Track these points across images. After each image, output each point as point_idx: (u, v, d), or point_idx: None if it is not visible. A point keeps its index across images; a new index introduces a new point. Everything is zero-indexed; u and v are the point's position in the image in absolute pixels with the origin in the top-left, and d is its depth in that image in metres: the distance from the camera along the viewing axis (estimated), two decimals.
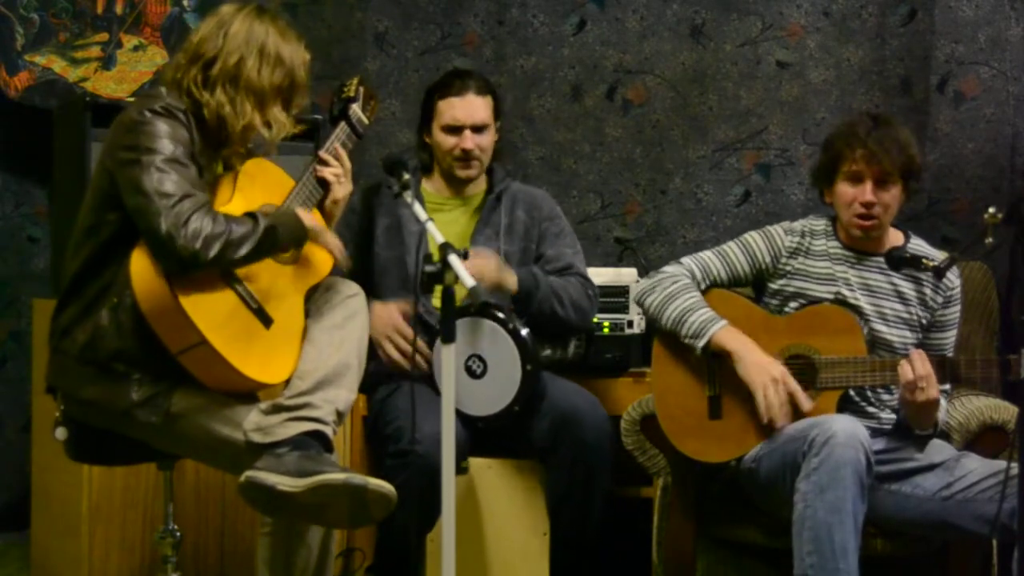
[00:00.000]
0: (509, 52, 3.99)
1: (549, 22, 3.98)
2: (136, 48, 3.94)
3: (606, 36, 3.96)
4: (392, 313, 3.05)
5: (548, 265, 3.23)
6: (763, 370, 2.82)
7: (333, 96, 2.84)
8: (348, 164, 2.75)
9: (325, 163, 2.71)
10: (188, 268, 2.35)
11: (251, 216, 2.44)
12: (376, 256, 3.19)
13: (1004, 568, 2.81)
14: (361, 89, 2.84)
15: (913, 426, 2.85)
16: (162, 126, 2.42)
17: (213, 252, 2.33)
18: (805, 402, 2.82)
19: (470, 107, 3.17)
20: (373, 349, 2.89)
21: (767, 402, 2.80)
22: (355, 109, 2.80)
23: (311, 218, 2.59)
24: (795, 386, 2.82)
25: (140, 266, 2.40)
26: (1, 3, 3.88)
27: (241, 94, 2.51)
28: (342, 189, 2.72)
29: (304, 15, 4.03)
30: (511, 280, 3.07)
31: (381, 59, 4.02)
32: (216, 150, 2.55)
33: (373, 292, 3.12)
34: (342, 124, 2.77)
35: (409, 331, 3.02)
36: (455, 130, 3.17)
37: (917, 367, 2.74)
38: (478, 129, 3.18)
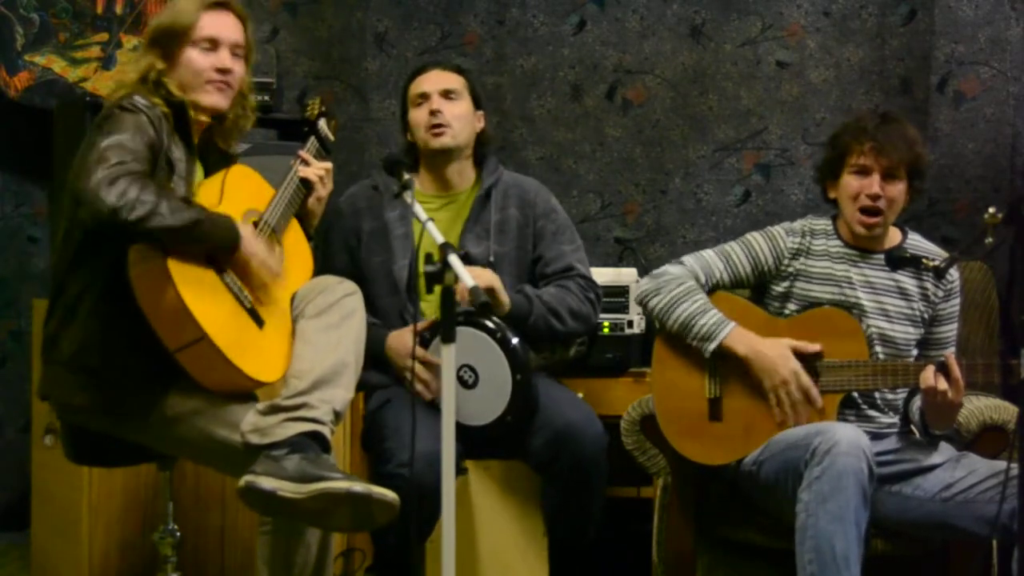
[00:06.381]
0: (509, 52, 3.99)
1: (549, 22, 3.98)
2: (136, 48, 3.92)
3: (606, 36, 3.96)
4: (406, 341, 3.01)
5: (547, 267, 3.16)
6: (775, 372, 2.83)
7: (301, 115, 2.92)
8: (329, 164, 2.82)
9: (307, 163, 2.78)
10: (104, 224, 2.32)
11: (186, 201, 2.45)
12: (363, 261, 3.15)
13: (1004, 568, 2.80)
14: (324, 108, 2.91)
15: (931, 425, 2.84)
16: (128, 118, 2.45)
17: (134, 215, 2.30)
18: (818, 399, 2.83)
19: (434, 76, 3.19)
20: (370, 354, 2.88)
21: (780, 405, 2.83)
22: (322, 125, 2.87)
23: (254, 238, 2.52)
24: (808, 383, 2.83)
25: (139, 263, 2.40)
26: (1, 3, 3.88)
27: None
28: (324, 188, 2.80)
29: (304, 15, 4.03)
30: (504, 300, 3.00)
31: (381, 59, 4.01)
32: (186, 133, 2.57)
33: (364, 298, 3.10)
34: (312, 139, 2.84)
35: (431, 358, 2.97)
36: (424, 97, 3.16)
37: (940, 376, 2.72)
38: (446, 95, 3.16)
